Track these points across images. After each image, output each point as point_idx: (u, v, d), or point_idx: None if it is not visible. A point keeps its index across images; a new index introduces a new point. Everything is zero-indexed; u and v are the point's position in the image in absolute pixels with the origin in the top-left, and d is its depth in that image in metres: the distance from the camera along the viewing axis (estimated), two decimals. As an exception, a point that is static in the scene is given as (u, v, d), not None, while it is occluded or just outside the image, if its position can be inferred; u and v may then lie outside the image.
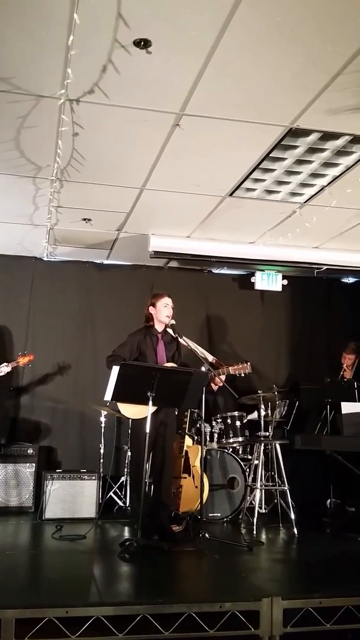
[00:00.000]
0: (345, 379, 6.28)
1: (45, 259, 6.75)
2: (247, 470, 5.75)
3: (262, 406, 5.80)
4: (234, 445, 5.96)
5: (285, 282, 6.75)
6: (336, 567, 4.10)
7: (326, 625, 3.04)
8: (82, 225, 5.67)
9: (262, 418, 5.83)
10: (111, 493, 5.91)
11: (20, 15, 2.75)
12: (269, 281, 6.68)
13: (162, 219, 5.56)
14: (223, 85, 3.30)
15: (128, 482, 5.89)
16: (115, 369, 4.25)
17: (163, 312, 4.87)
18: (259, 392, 5.81)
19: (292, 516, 5.08)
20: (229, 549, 4.42)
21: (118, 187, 4.77)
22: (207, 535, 4.53)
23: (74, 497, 5.49)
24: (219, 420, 5.98)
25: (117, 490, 5.96)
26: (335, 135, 3.89)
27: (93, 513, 5.49)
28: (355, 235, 5.82)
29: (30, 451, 5.92)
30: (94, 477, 5.60)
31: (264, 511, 5.73)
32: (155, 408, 4.38)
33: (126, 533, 5.01)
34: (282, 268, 6.58)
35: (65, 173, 4.48)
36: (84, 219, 5.51)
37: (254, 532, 4.99)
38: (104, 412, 5.95)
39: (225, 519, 5.55)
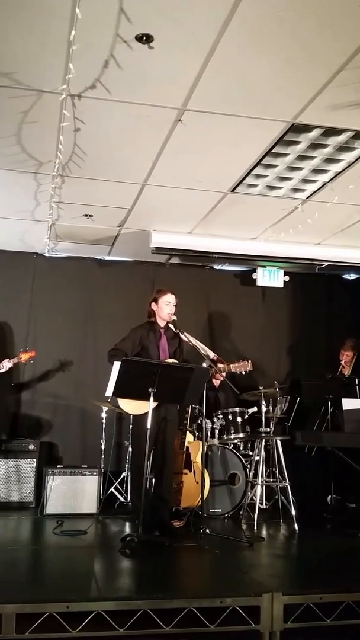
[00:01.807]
0: (345, 376, 6.29)
1: (47, 254, 6.74)
2: (248, 466, 5.76)
3: (264, 402, 5.81)
4: (235, 441, 5.97)
5: (286, 278, 6.74)
6: (337, 563, 4.10)
7: (327, 621, 3.05)
8: (83, 221, 5.66)
9: (264, 414, 5.84)
10: (112, 489, 5.92)
11: (22, 10, 2.74)
12: (270, 277, 6.67)
13: (163, 215, 5.55)
14: (225, 80, 3.30)
15: (129, 477, 5.90)
16: (117, 365, 4.25)
17: (164, 309, 4.87)
18: (260, 388, 5.82)
19: (293, 512, 5.08)
20: (229, 545, 4.43)
21: (120, 183, 4.77)
22: (207, 531, 4.55)
23: (74, 493, 5.51)
24: (220, 416, 5.99)
25: (118, 486, 5.97)
26: (337, 131, 3.87)
27: (94, 509, 5.50)
28: (357, 232, 5.81)
29: (31, 447, 5.93)
30: (94, 473, 5.62)
31: (264, 507, 5.75)
32: (155, 404, 4.38)
33: (127, 529, 5.03)
34: (284, 264, 6.57)
35: (67, 169, 4.47)
36: (86, 215, 5.51)
37: (255, 528, 5.00)
38: (105, 408, 5.96)
39: (226, 515, 5.56)
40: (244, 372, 5.13)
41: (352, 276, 7.36)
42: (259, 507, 5.20)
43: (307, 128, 3.84)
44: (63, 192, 4.94)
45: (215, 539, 4.54)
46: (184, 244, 6.06)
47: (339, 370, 6.46)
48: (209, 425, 5.90)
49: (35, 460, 5.87)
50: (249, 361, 5.11)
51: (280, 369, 7.18)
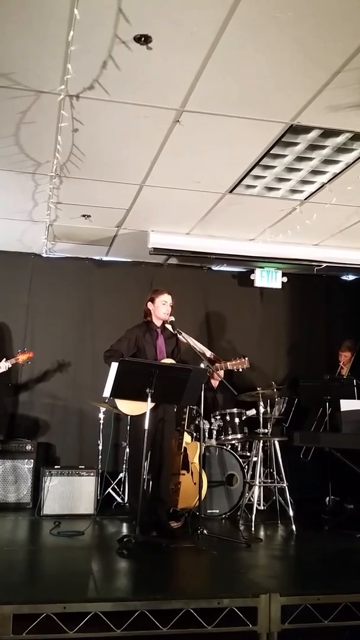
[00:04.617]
0: (343, 377, 6.30)
1: (45, 255, 6.74)
2: (246, 467, 5.76)
3: (262, 403, 5.80)
4: (233, 442, 5.97)
5: (284, 279, 6.75)
6: (334, 564, 4.10)
7: (324, 622, 3.04)
8: (81, 222, 5.66)
9: (261, 415, 5.84)
10: (109, 489, 5.92)
11: (21, 10, 2.74)
12: (268, 278, 6.68)
13: (161, 216, 5.55)
14: (223, 81, 3.30)
15: (126, 478, 5.90)
16: (115, 366, 4.25)
17: (161, 309, 4.88)
18: (258, 389, 5.82)
19: (291, 513, 5.08)
20: (227, 546, 4.43)
21: (118, 184, 4.76)
22: (205, 531, 4.54)
23: (72, 494, 5.50)
24: (218, 417, 5.99)
25: (116, 487, 5.97)
26: (335, 132, 3.88)
27: (91, 509, 5.49)
28: (355, 233, 5.81)
29: (28, 447, 5.92)
30: (92, 474, 5.61)
31: (262, 508, 5.73)
32: (153, 404, 4.38)
33: (124, 529, 5.02)
34: (282, 265, 6.58)
35: (65, 169, 4.47)
36: (84, 216, 5.50)
37: (253, 529, 5.00)
38: (102, 409, 5.95)
39: (223, 516, 5.56)
40: (241, 370, 5.12)
41: (351, 277, 7.37)
42: (256, 508, 5.20)
43: (306, 129, 3.84)
44: (61, 192, 4.94)
45: (213, 539, 4.54)
46: (182, 244, 6.06)
47: (338, 371, 6.47)
48: (207, 426, 5.90)
49: (32, 460, 5.86)
50: (246, 358, 5.09)
51: (278, 369, 7.18)
